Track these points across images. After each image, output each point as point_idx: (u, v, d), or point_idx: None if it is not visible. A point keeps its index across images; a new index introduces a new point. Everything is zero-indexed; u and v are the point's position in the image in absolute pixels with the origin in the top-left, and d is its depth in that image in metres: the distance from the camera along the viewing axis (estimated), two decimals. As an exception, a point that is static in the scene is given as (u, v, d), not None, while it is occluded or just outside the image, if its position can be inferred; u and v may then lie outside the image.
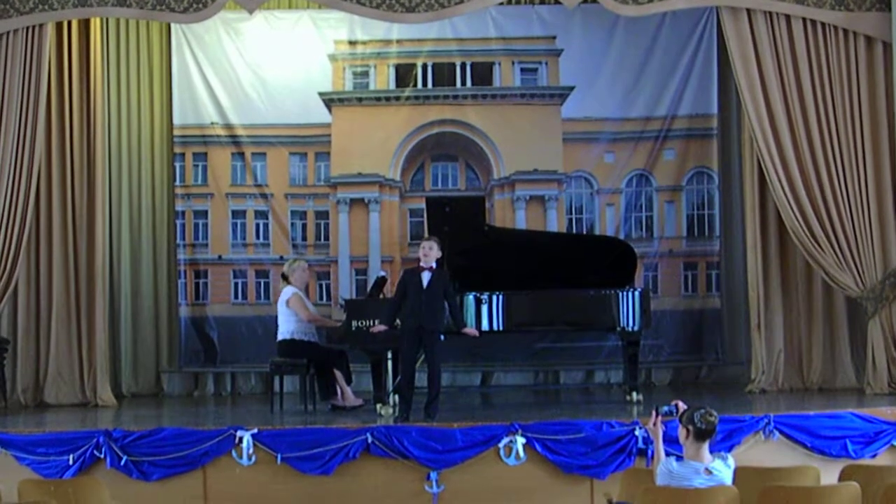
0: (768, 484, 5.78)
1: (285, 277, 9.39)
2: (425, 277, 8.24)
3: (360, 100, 11.11)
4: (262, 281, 10.97)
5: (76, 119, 9.88)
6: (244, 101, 10.96)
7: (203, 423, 8.30)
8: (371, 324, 8.60)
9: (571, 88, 10.98)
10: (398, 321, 8.38)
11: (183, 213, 10.97)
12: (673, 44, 10.89)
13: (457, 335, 8.59)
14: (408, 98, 11.08)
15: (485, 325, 8.92)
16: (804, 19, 9.40)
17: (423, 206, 10.26)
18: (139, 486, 7.57)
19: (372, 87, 11.10)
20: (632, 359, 9.31)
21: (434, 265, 8.29)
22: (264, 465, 7.60)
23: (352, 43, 11.03)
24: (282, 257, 10.89)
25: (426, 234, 9.57)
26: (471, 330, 8.61)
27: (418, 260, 8.37)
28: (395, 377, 9.13)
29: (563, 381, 11.07)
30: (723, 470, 5.58)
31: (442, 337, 8.90)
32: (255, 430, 7.63)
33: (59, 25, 9.72)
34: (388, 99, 11.11)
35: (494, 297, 8.98)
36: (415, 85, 11.06)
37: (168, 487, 7.60)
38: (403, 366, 8.35)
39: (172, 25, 10.70)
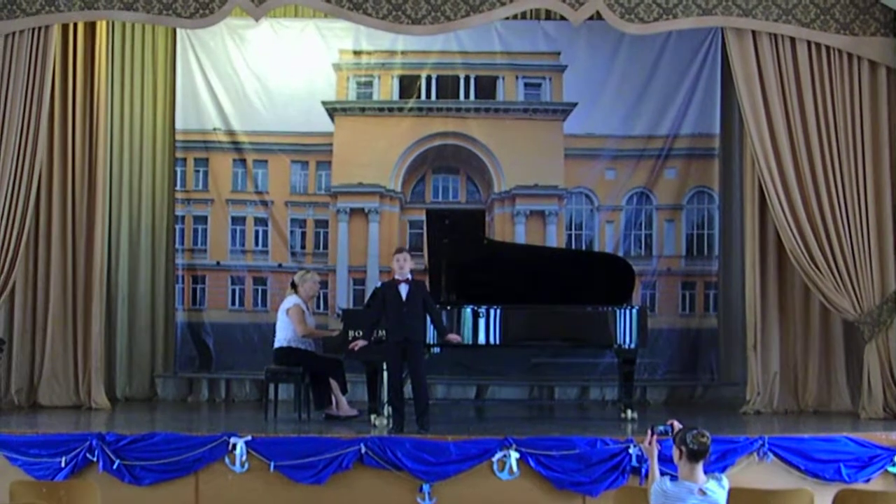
0: (762, 506, 5.78)
1: (294, 286, 9.40)
2: (403, 290, 8.27)
3: (363, 110, 11.12)
4: (260, 288, 10.96)
5: (79, 121, 9.89)
6: (247, 107, 10.98)
7: (197, 428, 8.27)
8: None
9: (574, 104, 10.99)
10: (378, 334, 8.40)
11: (182, 217, 10.97)
12: (677, 63, 10.91)
13: (449, 347, 8.58)
14: (411, 109, 11.10)
15: (481, 339, 8.91)
16: (809, 42, 9.43)
17: (423, 217, 10.27)
18: (131, 490, 7.56)
19: (375, 97, 11.12)
20: (627, 376, 9.29)
21: (410, 276, 8.32)
22: (257, 473, 7.58)
23: (356, 53, 11.05)
24: (280, 265, 10.90)
25: (426, 246, 9.60)
26: (454, 336, 8.61)
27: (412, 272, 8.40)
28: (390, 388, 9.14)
29: (558, 396, 11.05)
30: (717, 491, 5.56)
31: (437, 350, 8.92)
32: (249, 438, 7.63)
33: (64, 27, 9.74)
34: (391, 110, 11.12)
35: (492, 311, 8.96)
36: (418, 96, 11.07)
37: (160, 492, 7.59)
38: (391, 379, 8.38)
39: (178, 30, 10.72)
